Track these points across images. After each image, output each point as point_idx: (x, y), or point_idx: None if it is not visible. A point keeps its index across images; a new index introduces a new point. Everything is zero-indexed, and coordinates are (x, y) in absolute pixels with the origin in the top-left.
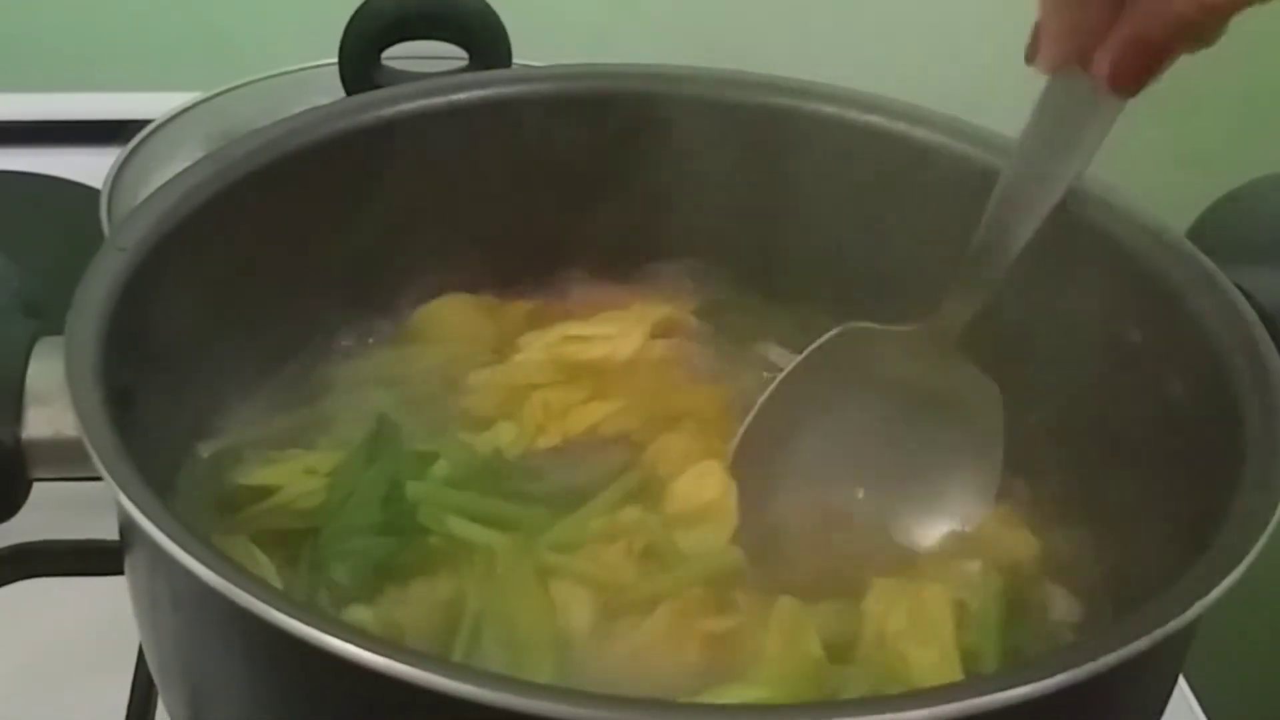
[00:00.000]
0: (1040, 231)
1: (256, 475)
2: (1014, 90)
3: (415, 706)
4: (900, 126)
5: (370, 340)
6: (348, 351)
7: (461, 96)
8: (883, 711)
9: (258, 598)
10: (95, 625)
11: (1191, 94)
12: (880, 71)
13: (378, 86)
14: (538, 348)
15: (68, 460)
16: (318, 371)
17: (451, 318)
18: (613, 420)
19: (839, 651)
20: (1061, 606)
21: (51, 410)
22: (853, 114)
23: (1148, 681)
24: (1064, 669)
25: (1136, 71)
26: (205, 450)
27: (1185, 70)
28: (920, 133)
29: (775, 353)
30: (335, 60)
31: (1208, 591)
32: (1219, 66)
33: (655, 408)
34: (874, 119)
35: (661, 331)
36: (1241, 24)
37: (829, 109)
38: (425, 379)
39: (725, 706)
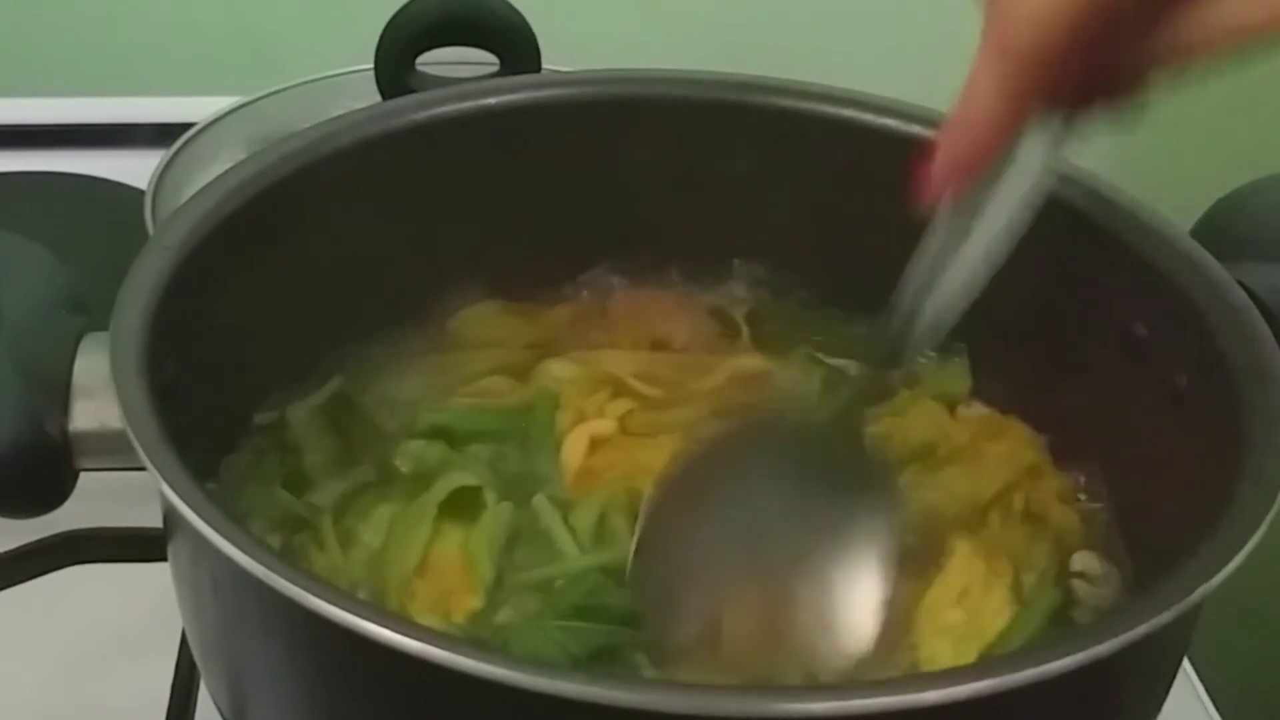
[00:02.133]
0: (1049, 233)
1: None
2: None
3: (452, 690)
4: (918, 129)
5: (406, 341)
6: (387, 353)
7: (493, 101)
8: (895, 693)
9: (295, 584)
10: (140, 610)
11: (1195, 97)
12: (900, 76)
13: (412, 91)
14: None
15: (113, 451)
16: (359, 373)
17: (491, 323)
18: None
19: None
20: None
21: (97, 403)
22: (873, 118)
23: (1153, 663)
24: (1071, 652)
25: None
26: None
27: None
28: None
29: (815, 357)
30: (371, 66)
31: (1209, 577)
32: (1221, 73)
33: (711, 410)
34: (893, 124)
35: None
36: None
37: (848, 113)
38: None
39: (763, 688)
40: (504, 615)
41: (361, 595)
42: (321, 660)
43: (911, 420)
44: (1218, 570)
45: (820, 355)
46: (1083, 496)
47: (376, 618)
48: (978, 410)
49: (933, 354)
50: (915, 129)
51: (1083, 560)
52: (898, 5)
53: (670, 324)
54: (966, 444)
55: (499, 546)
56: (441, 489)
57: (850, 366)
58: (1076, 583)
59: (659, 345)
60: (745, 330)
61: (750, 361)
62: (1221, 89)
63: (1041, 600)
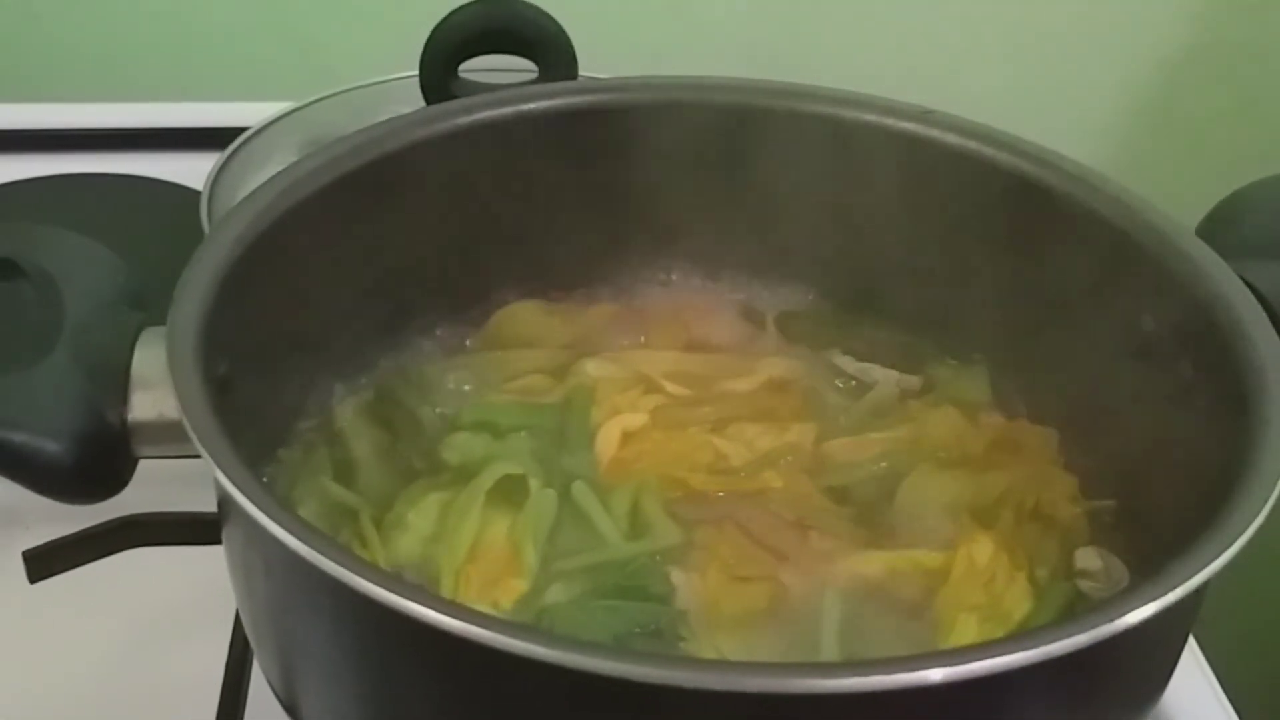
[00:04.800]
0: (1059, 231)
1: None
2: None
3: (494, 669)
4: (951, 139)
5: (449, 339)
6: (430, 350)
7: (532, 106)
8: (909, 670)
9: (342, 565)
10: (196, 590)
11: (1200, 102)
12: (926, 82)
13: (455, 97)
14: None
15: (170, 440)
16: (404, 370)
17: (530, 322)
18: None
19: None
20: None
21: (155, 394)
22: (893, 122)
23: (1160, 642)
24: (1082, 631)
25: None
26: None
27: (1194, 80)
28: (972, 145)
29: (841, 360)
30: (416, 72)
31: (1214, 560)
32: (1225, 77)
33: (740, 409)
34: (912, 128)
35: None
36: (1247, 32)
37: (869, 117)
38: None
39: (778, 666)
40: (549, 597)
41: (412, 580)
42: (366, 638)
43: (929, 425)
44: (1222, 553)
45: (848, 358)
46: (1089, 493)
47: (418, 598)
48: (995, 419)
49: (953, 362)
50: (934, 133)
51: (1084, 558)
52: (926, 13)
53: (703, 325)
54: (981, 452)
55: (544, 532)
56: (489, 477)
57: (874, 370)
58: (1080, 579)
59: (692, 346)
60: (774, 332)
61: (779, 363)
62: (1226, 92)
63: (1056, 593)
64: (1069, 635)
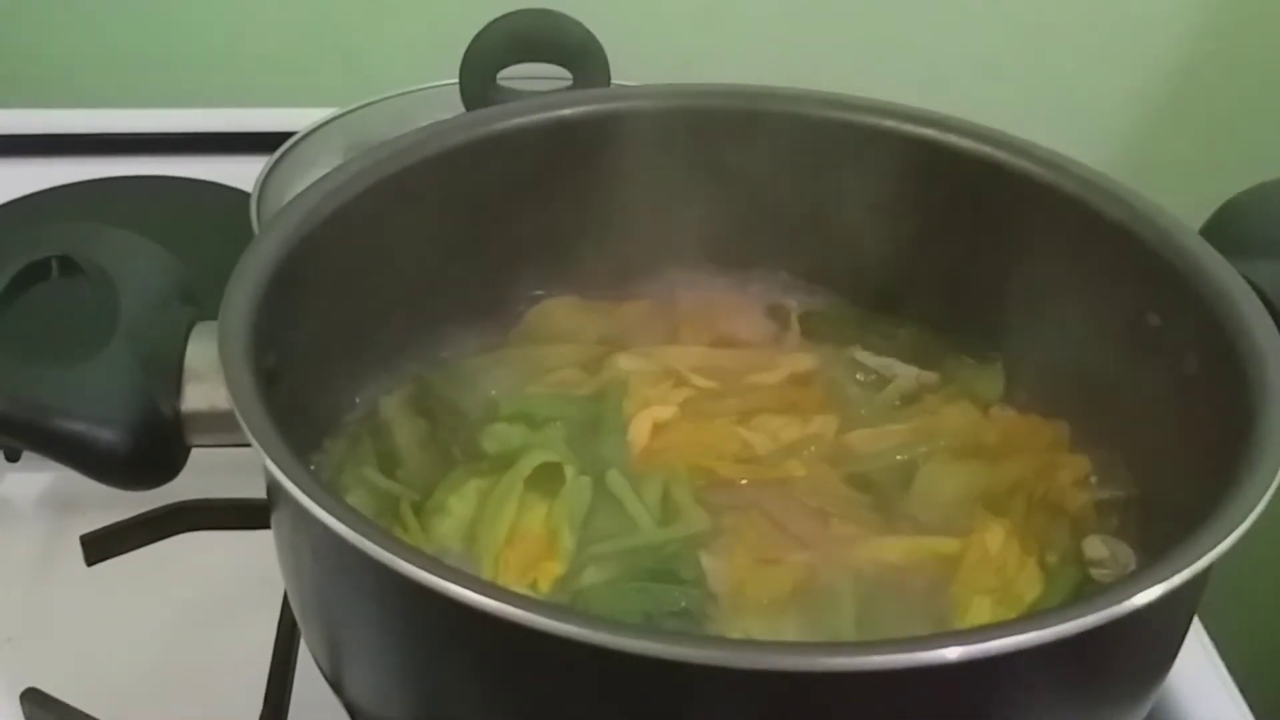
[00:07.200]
0: (1069, 232)
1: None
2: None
3: (532, 647)
4: (966, 143)
5: (487, 335)
6: (469, 345)
7: (567, 112)
8: (926, 649)
9: (386, 549)
10: (246, 573)
11: (1205, 109)
12: (947, 90)
13: (493, 103)
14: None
15: (221, 429)
16: (444, 363)
17: (564, 318)
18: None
19: None
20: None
21: (207, 386)
22: (912, 128)
23: (1166, 623)
24: (1090, 612)
25: None
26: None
27: (1200, 88)
28: (986, 150)
29: (861, 355)
30: (456, 80)
31: (1217, 544)
32: (1230, 85)
33: (765, 402)
34: (930, 134)
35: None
36: (1252, 40)
37: (888, 123)
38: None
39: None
40: (585, 579)
41: (452, 563)
42: (409, 618)
43: (945, 418)
44: (1225, 537)
45: (868, 354)
46: (1096, 481)
47: (459, 579)
48: (1009, 413)
49: (970, 359)
50: (950, 138)
51: (1092, 547)
52: (943, 22)
53: (730, 323)
54: (995, 444)
55: (580, 517)
56: (526, 465)
57: (894, 365)
58: (1089, 566)
59: (719, 342)
60: (797, 330)
61: (803, 358)
62: (1231, 99)
63: (1065, 577)
64: (1078, 617)
